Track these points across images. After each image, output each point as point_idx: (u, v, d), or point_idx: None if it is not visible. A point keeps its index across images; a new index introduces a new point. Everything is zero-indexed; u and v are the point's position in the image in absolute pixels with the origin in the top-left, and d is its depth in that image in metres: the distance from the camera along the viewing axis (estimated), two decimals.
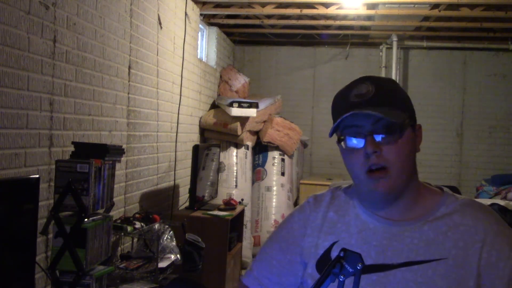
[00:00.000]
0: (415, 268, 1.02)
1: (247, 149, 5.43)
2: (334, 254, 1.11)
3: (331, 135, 1.08)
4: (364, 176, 1.05)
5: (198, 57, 5.19)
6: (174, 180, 4.29)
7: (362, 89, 1.05)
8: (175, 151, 4.28)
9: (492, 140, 6.71)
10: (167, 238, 3.07)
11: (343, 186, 1.21)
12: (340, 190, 1.20)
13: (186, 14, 4.52)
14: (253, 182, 5.58)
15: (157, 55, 3.86)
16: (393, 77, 6.43)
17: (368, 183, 1.06)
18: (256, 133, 5.65)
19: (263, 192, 5.55)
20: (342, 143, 1.07)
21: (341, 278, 0.85)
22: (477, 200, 1.13)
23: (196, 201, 4.03)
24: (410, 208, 1.08)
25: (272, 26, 6.26)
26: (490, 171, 6.45)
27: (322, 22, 5.69)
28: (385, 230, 1.08)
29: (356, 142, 1.05)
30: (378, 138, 1.03)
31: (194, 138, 4.99)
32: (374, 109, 1.01)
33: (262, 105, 5.38)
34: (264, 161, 5.65)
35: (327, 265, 0.87)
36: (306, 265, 1.15)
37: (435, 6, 4.87)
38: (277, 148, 5.66)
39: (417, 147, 1.10)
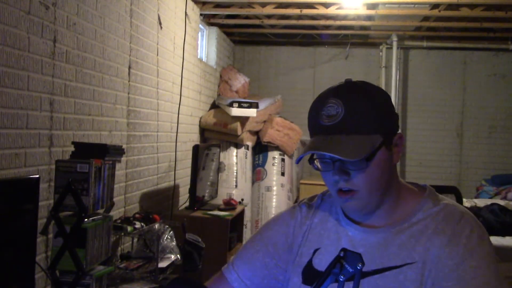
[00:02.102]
0: (387, 274, 1.03)
1: (247, 149, 5.43)
2: (316, 261, 1.12)
3: (297, 162, 1.11)
4: (336, 194, 1.07)
5: (198, 57, 5.19)
6: (174, 180, 4.29)
7: (332, 110, 1.04)
8: (175, 151, 4.28)
9: (492, 140, 6.70)
10: (167, 238, 3.07)
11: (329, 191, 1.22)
12: (326, 195, 1.21)
13: (186, 14, 4.52)
14: (253, 182, 5.58)
15: (157, 55, 3.86)
16: (393, 77, 6.44)
17: (340, 201, 1.08)
18: (256, 133, 5.65)
19: (263, 192, 5.55)
20: (313, 164, 1.08)
21: (341, 278, 0.85)
22: (454, 203, 1.11)
23: (196, 201, 4.03)
24: (389, 214, 1.09)
25: (272, 26, 6.26)
26: (490, 171, 6.46)
27: (322, 22, 5.69)
28: (362, 237, 1.09)
29: (325, 166, 1.06)
30: (346, 165, 1.03)
31: (194, 138, 4.99)
32: (337, 140, 1.01)
33: (262, 105, 5.38)
34: (264, 161, 5.65)
35: (328, 265, 0.87)
36: (289, 271, 1.15)
37: (435, 6, 4.87)
38: (277, 148, 5.66)
39: (394, 160, 1.09)
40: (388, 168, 1.07)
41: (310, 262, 1.12)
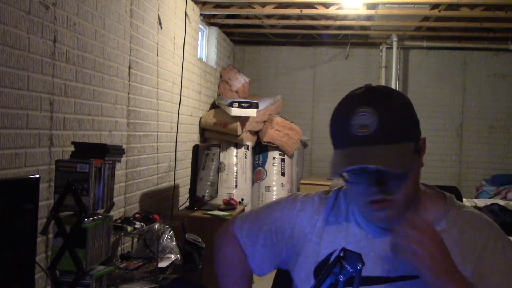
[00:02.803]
0: (412, 283, 1.00)
1: (247, 149, 5.43)
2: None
3: (334, 176, 1.03)
4: (364, 205, 1.02)
5: (198, 57, 5.19)
6: (174, 180, 4.29)
7: (364, 120, 0.98)
8: (175, 151, 4.28)
9: (492, 140, 6.71)
10: (167, 238, 3.07)
11: (344, 187, 1.18)
12: (342, 191, 1.17)
13: (186, 14, 4.52)
14: (253, 182, 5.58)
15: (157, 55, 3.86)
16: (393, 77, 6.44)
17: (367, 211, 1.03)
18: (256, 133, 5.65)
19: (263, 192, 5.55)
20: (345, 174, 1.03)
21: (341, 278, 0.85)
22: (478, 212, 1.09)
23: (196, 201, 4.03)
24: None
25: (272, 26, 6.25)
26: (490, 171, 6.45)
27: (322, 22, 5.69)
28: (383, 241, 1.04)
29: (359, 179, 1.01)
30: (384, 176, 0.99)
31: (194, 138, 4.99)
32: (377, 152, 0.96)
33: (262, 105, 5.38)
34: (264, 161, 5.65)
35: (327, 265, 0.87)
36: (293, 262, 1.15)
37: (435, 6, 4.87)
38: (277, 148, 5.66)
39: (421, 164, 1.06)
40: (418, 175, 1.05)
41: (325, 262, 1.09)
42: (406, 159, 0.98)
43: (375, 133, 0.97)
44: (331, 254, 1.09)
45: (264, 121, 5.61)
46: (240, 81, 5.91)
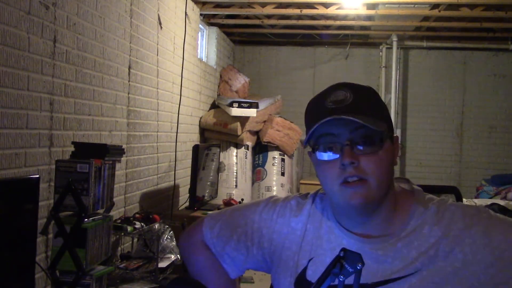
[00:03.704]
0: (391, 286, 0.99)
1: (247, 149, 5.43)
2: (309, 272, 1.07)
3: (305, 143, 1.02)
4: (339, 187, 0.99)
5: (198, 57, 5.19)
6: (174, 180, 4.29)
7: (339, 95, 0.99)
8: (175, 151, 4.28)
9: (492, 140, 6.71)
10: (167, 238, 3.07)
11: (321, 191, 1.14)
12: (318, 196, 1.14)
13: (186, 14, 4.52)
14: (253, 182, 5.58)
15: (157, 55, 3.86)
16: (393, 77, 6.44)
17: (343, 195, 0.99)
18: (256, 133, 5.65)
19: (263, 192, 5.55)
20: (317, 153, 1.00)
21: (341, 278, 0.85)
22: (443, 199, 1.06)
23: (196, 201, 4.03)
24: (385, 225, 1.03)
25: (272, 26, 6.26)
26: (490, 171, 6.45)
27: (322, 22, 5.69)
28: (358, 247, 1.01)
29: (331, 153, 0.99)
30: (356, 148, 0.97)
31: (194, 138, 4.99)
32: (352, 116, 0.95)
33: (262, 105, 5.38)
34: (264, 161, 5.65)
35: (328, 265, 0.87)
36: (275, 272, 1.12)
37: (435, 6, 4.87)
38: (277, 148, 5.66)
39: (395, 160, 1.04)
40: (392, 163, 1.03)
41: (303, 273, 1.07)
42: (380, 125, 0.98)
43: (349, 105, 0.97)
44: (308, 262, 1.07)
45: (264, 121, 5.61)
46: (240, 81, 5.92)
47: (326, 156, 0.99)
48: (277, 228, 1.14)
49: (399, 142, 1.07)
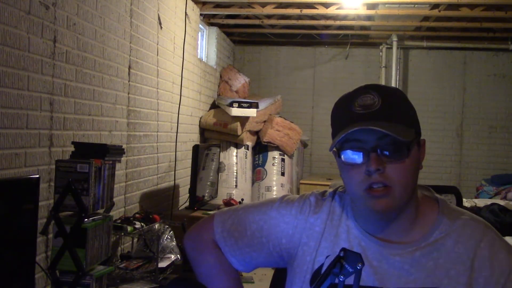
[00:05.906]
0: None
1: (247, 149, 5.43)
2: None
3: (331, 149, 1.01)
4: (363, 193, 0.98)
5: (198, 57, 5.19)
6: (174, 180, 4.29)
7: (367, 100, 0.97)
8: (175, 151, 4.28)
9: (492, 140, 6.71)
10: (167, 238, 3.07)
11: (340, 189, 1.14)
12: (337, 194, 1.13)
13: (186, 14, 4.52)
14: (253, 182, 5.58)
15: (157, 55, 3.86)
16: (393, 77, 6.44)
17: (367, 201, 0.98)
18: (256, 133, 5.65)
19: (263, 192, 5.55)
20: (342, 156, 0.99)
21: (341, 278, 0.85)
22: (473, 216, 1.05)
23: (196, 201, 4.03)
24: (405, 231, 1.03)
25: (272, 26, 6.26)
26: (490, 171, 6.45)
27: (322, 22, 5.69)
28: (377, 250, 1.02)
29: (357, 157, 0.97)
30: (383, 154, 0.96)
31: (194, 138, 4.99)
32: (380, 124, 0.94)
33: (262, 105, 5.38)
34: (264, 161, 5.65)
35: (328, 265, 0.87)
36: (293, 271, 1.11)
37: (435, 6, 4.87)
38: (277, 148, 5.66)
39: (420, 165, 1.03)
40: (417, 169, 1.01)
41: (320, 270, 1.06)
42: (408, 134, 0.96)
43: (378, 111, 0.96)
44: (326, 257, 1.07)
45: (264, 121, 5.61)
46: (240, 81, 5.91)
47: (351, 160, 0.98)
48: (296, 223, 1.12)
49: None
